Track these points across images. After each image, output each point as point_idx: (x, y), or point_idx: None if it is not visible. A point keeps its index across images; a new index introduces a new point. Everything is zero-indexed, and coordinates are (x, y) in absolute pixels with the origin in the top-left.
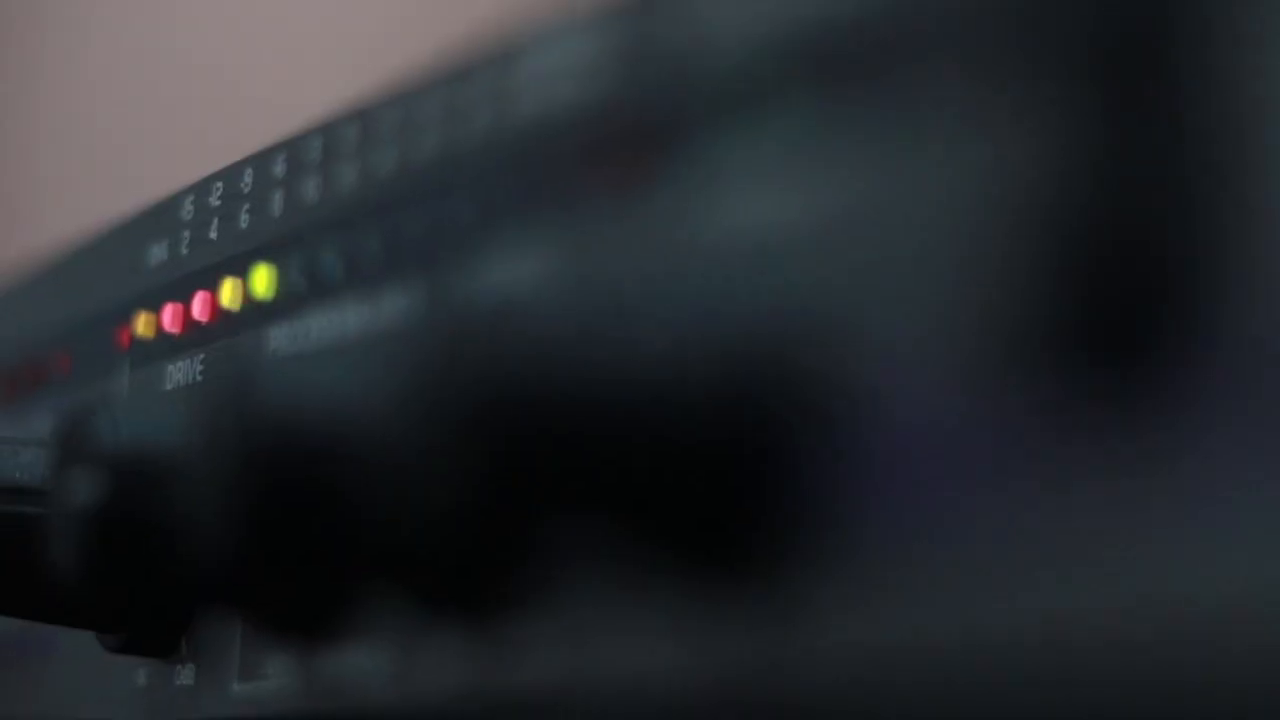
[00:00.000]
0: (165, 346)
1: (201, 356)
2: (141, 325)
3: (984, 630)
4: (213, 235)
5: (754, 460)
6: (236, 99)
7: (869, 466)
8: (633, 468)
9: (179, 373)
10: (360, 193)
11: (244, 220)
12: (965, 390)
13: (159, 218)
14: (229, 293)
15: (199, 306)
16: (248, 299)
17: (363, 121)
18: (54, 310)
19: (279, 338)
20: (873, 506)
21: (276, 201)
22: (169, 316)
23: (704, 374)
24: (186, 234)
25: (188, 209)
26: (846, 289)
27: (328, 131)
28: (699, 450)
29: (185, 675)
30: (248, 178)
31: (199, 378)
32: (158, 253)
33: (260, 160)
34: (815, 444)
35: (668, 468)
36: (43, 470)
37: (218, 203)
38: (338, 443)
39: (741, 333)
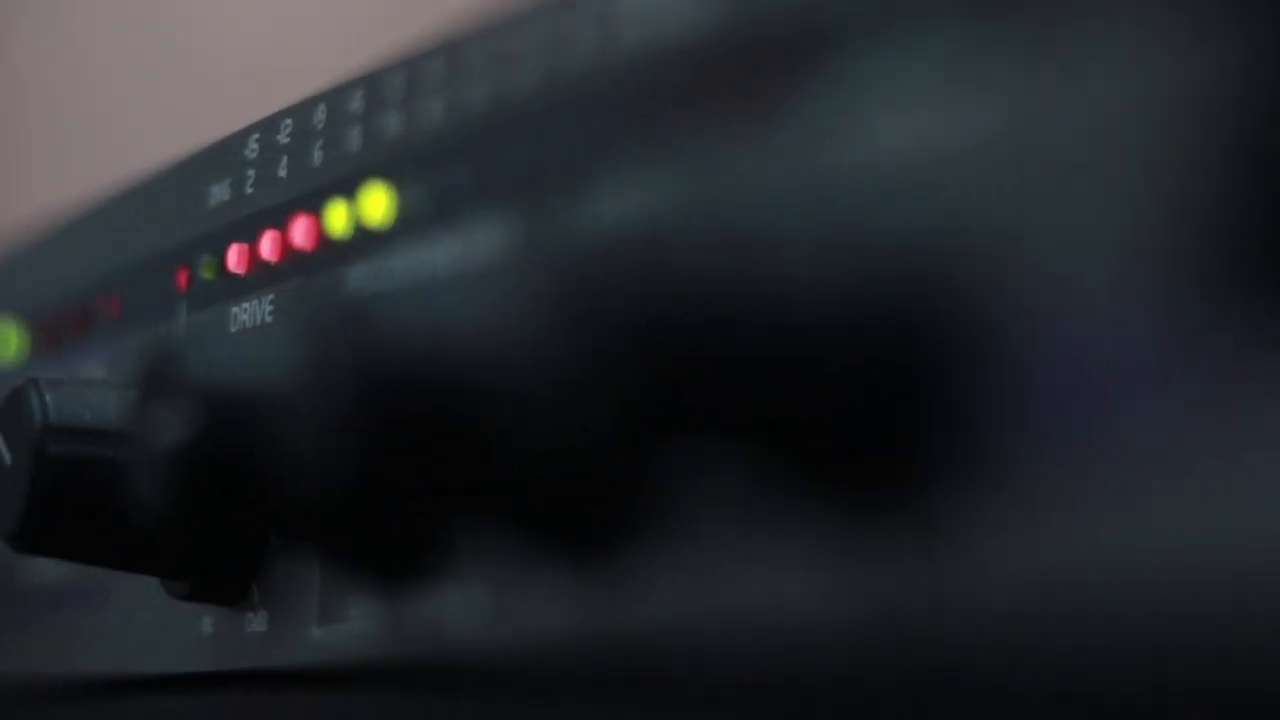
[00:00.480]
0: (229, 287)
1: (271, 297)
2: (203, 266)
3: (1151, 561)
4: (282, 173)
5: (901, 384)
6: (224, 67)
7: (1021, 389)
8: (764, 392)
9: (245, 314)
10: (449, 127)
11: (317, 157)
12: (1125, 312)
13: (219, 158)
14: (302, 231)
15: (268, 246)
16: (322, 237)
17: (449, 55)
18: (103, 253)
19: (359, 276)
20: (1031, 431)
21: (354, 138)
22: (234, 257)
23: (839, 297)
24: (252, 173)
25: (252, 148)
26: (999, 213)
27: (412, 66)
28: (840, 373)
29: (257, 622)
30: (320, 114)
31: (269, 318)
32: (218, 193)
33: (335, 96)
34: (964, 366)
35: (805, 392)
36: (113, 411)
37: (287, 140)
38: (437, 374)
39: (884, 255)
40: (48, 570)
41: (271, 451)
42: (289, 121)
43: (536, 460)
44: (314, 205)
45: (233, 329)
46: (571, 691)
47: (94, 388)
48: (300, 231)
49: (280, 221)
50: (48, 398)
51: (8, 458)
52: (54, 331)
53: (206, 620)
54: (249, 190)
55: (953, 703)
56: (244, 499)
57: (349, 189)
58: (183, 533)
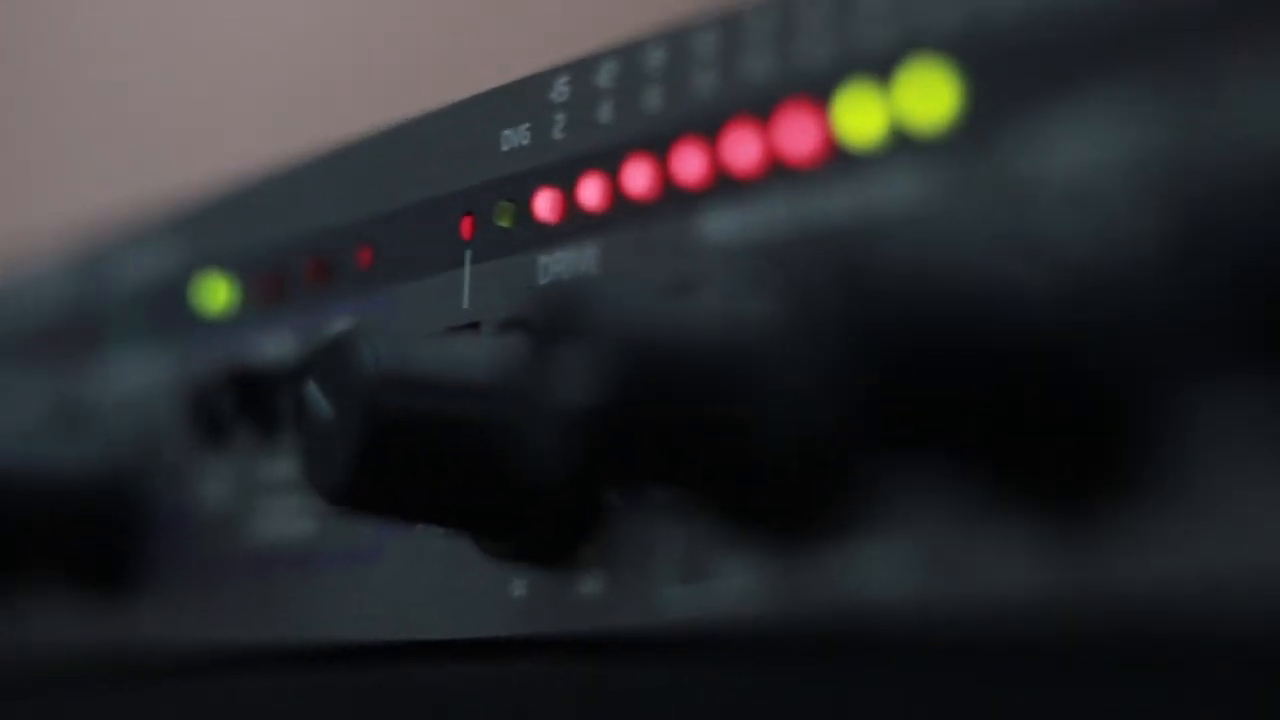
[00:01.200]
0: (535, 236)
1: (598, 246)
2: (497, 214)
3: None
4: (603, 118)
5: None
6: (245, 71)
7: None
8: None
9: (560, 264)
10: (839, 64)
11: (653, 101)
12: None
13: (513, 101)
14: (640, 176)
15: (591, 192)
16: (667, 184)
17: None
18: (350, 201)
19: (719, 226)
20: None
21: (706, 80)
22: (544, 203)
23: None
24: (561, 116)
25: (559, 91)
26: None
27: (788, 4)
28: None
29: (590, 583)
30: (657, 57)
31: (594, 269)
32: (514, 137)
33: (675, 38)
34: None
35: None
36: (437, 360)
37: (609, 84)
38: (892, 310)
39: None
40: (289, 527)
41: (678, 402)
42: (611, 64)
43: (1002, 392)
44: (657, 149)
45: (543, 280)
46: (1028, 668)
47: (415, 337)
48: (637, 177)
49: (609, 166)
50: (379, 347)
51: (326, 410)
52: (277, 284)
53: (517, 582)
54: (557, 135)
55: None
56: (635, 453)
57: (708, 132)
58: (549, 493)
